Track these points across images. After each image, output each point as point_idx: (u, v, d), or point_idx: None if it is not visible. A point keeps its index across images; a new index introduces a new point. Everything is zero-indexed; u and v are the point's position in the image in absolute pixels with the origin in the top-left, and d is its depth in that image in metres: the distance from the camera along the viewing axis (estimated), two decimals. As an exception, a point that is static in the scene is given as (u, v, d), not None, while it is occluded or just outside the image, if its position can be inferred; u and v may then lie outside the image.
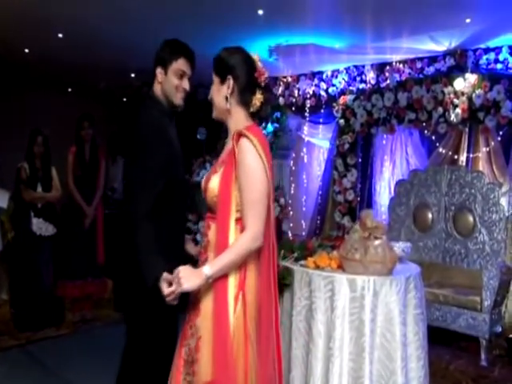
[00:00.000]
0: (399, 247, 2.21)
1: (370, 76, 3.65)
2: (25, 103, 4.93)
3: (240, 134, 1.40)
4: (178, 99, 1.81)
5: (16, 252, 3.68)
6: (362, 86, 3.71)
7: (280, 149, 4.56)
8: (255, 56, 1.52)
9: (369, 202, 3.66)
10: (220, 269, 1.35)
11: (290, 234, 4.58)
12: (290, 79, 4.54)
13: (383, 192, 3.65)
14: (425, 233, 3.14)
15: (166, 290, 1.42)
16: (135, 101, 5.06)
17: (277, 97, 4.52)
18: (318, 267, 2.19)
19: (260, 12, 2.86)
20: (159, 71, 1.82)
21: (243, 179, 1.36)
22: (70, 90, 5.17)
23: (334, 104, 3.82)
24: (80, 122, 3.87)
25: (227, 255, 1.36)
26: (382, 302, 1.89)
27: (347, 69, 3.90)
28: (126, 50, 3.84)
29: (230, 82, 1.46)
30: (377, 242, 1.99)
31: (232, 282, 1.37)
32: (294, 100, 4.45)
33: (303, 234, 4.50)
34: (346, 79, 3.86)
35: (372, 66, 3.69)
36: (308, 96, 4.26)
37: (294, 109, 4.44)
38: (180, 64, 1.79)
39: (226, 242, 1.38)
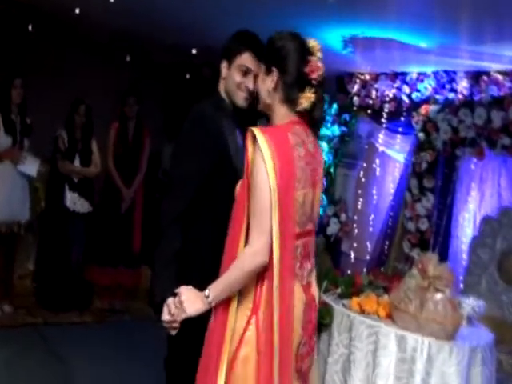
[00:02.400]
0: (469, 304, 2.13)
1: (462, 85, 3.50)
2: (69, 67, 5.12)
3: (254, 136, 1.41)
4: (239, 99, 1.82)
5: (46, 224, 3.94)
6: (451, 95, 3.58)
7: (345, 157, 4.53)
8: (313, 43, 1.48)
9: (446, 235, 3.52)
10: (220, 291, 1.40)
11: (351, 256, 4.57)
12: (367, 77, 4.47)
13: (466, 226, 3.51)
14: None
15: (165, 316, 1.47)
16: (196, 81, 5.26)
17: (351, 95, 4.49)
18: (362, 311, 2.16)
19: None
20: (224, 65, 1.87)
21: (251, 189, 1.41)
22: (126, 59, 5.21)
23: (414, 113, 3.73)
24: (125, 97, 4.04)
25: (227, 275, 1.41)
26: (437, 371, 1.82)
27: (435, 73, 3.77)
28: (188, 23, 3.83)
29: (275, 75, 1.48)
30: (437, 296, 1.94)
31: (243, 306, 1.41)
32: (370, 102, 4.39)
33: (367, 257, 4.45)
34: (434, 85, 3.73)
35: (466, 73, 3.55)
36: (387, 99, 4.17)
37: (369, 112, 4.38)
38: (244, 59, 1.82)
39: (234, 257, 1.43)
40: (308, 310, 1.46)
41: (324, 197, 4.39)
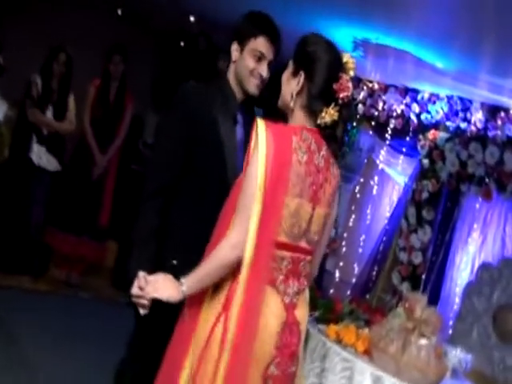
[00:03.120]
0: (456, 356, 2.22)
1: (477, 117, 3.64)
2: (55, 10, 5.01)
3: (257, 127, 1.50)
4: (251, 86, 1.86)
5: (8, 176, 3.93)
6: (463, 125, 3.72)
7: (342, 168, 4.67)
8: (348, 59, 1.57)
9: (440, 274, 3.64)
10: (195, 282, 1.50)
11: (336, 275, 4.72)
12: (376, 86, 4.61)
13: (462, 269, 3.62)
14: (506, 343, 2.99)
15: (134, 289, 1.57)
16: (190, 52, 5.31)
17: (356, 102, 4.63)
18: (339, 341, 2.23)
19: None
20: (235, 48, 1.89)
21: (244, 179, 1.51)
22: (118, 13, 5.22)
23: (421, 136, 3.86)
24: (110, 54, 4.06)
25: (203, 266, 1.51)
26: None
27: (450, 97, 3.90)
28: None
29: (301, 79, 1.55)
30: (422, 342, 2.01)
31: (215, 300, 1.50)
32: (375, 113, 4.54)
33: (352, 280, 4.60)
34: (446, 110, 3.87)
35: (482, 105, 3.67)
36: (394, 114, 4.31)
37: (373, 124, 4.53)
38: (259, 43, 1.85)
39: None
40: (287, 333, 1.51)
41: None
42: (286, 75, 1.61)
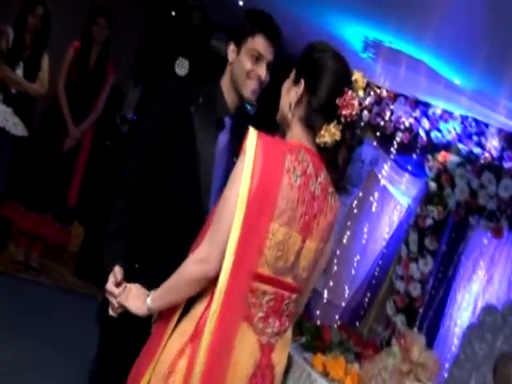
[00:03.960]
0: None
1: (492, 143, 3.77)
2: None
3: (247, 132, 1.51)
4: (247, 89, 1.94)
5: None
6: (476, 150, 3.84)
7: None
8: (358, 77, 1.58)
9: (439, 311, 3.74)
10: (158, 296, 1.58)
11: (324, 296, 4.84)
12: (384, 93, 4.77)
13: (464, 308, 3.71)
14: None
15: (110, 285, 1.76)
16: (183, 26, 5.38)
17: (361, 107, 4.79)
18: (326, 374, 2.31)
19: None
20: (231, 48, 1.98)
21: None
22: None
23: (430, 156, 3.97)
24: (94, 15, 4.07)
25: (167, 281, 1.56)
26: None
27: (464, 118, 4.02)
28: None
29: (301, 87, 1.56)
30: None
31: (184, 326, 1.54)
32: (381, 123, 4.71)
33: (342, 304, 4.74)
34: (459, 131, 3.99)
35: (499, 131, 3.80)
36: (402, 127, 4.42)
37: (378, 134, 4.69)
38: (257, 43, 1.93)
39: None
40: (259, 376, 1.52)
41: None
42: (287, 84, 1.63)
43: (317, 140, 1.56)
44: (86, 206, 4.37)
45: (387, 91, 4.67)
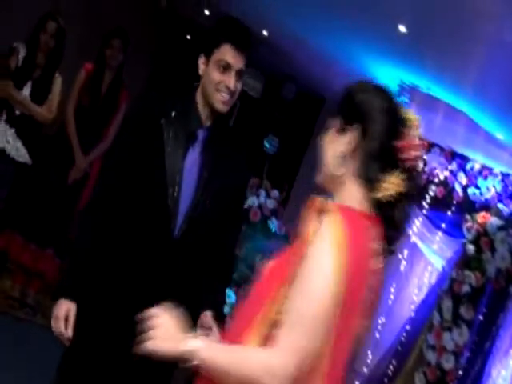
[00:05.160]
0: None
1: None
2: None
3: (322, 210, 1.31)
4: (218, 101, 1.95)
5: None
6: None
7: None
8: (411, 115, 1.41)
9: None
10: (213, 361, 1.28)
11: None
12: (417, 140, 4.64)
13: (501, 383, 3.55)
14: None
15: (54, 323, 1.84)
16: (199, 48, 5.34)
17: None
18: None
19: (402, 29, 2.90)
20: (201, 61, 2.00)
21: (298, 280, 1.27)
22: None
23: (468, 216, 3.81)
24: (109, 37, 3.98)
25: (229, 354, 1.30)
26: None
27: (505, 176, 3.90)
28: None
29: (355, 134, 1.36)
30: None
31: None
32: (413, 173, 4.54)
33: (364, 370, 4.54)
34: (499, 189, 3.85)
35: None
36: (436, 180, 4.29)
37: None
38: (223, 52, 1.93)
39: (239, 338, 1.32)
40: None
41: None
42: (330, 136, 1.43)
43: (377, 195, 1.35)
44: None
45: (421, 139, 4.49)
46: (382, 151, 1.35)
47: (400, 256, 4.63)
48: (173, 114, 2.01)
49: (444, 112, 3.76)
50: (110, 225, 2.02)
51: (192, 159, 2.01)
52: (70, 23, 4.06)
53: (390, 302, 4.63)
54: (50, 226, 3.98)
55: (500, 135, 3.52)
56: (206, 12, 4.80)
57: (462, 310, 3.64)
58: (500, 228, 3.59)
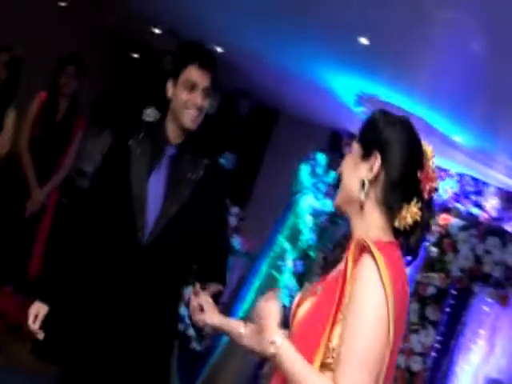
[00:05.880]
0: None
1: (491, 203, 3.78)
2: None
3: (363, 248, 1.34)
4: (187, 119, 2.11)
5: None
6: (475, 210, 3.83)
7: (331, 242, 4.68)
8: (428, 148, 1.45)
9: None
10: (286, 363, 1.36)
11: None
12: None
13: (464, 381, 3.64)
14: None
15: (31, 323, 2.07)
16: (153, 71, 5.24)
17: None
18: None
19: (363, 41, 2.98)
20: (170, 85, 2.16)
21: (350, 321, 1.32)
22: (62, 4, 4.98)
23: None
24: (62, 65, 3.90)
25: (301, 368, 1.34)
26: None
27: (461, 176, 4.03)
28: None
29: (377, 162, 1.40)
30: None
31: None
32: (373, 176, 4.62)
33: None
34: (456, 190, 3.97)
35: (498, 190, 3.82)
36: (394, 183, 4.40)
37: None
38: (189, 73, 2.11)
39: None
40: None
41: (296, 285, 4.47)
42: (352, 160, 1.47)
43: (396, 224, 1.40)
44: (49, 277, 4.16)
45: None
46: (404, 180, 1.41)
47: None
48: (141, 135, 2.20)
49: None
50: (86, 239, 2.23)
51: (159, 174, 2.17)
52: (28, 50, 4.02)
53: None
54: (8, 262, 3.89)
55: (456, 137, 3.63)
56: (156, 31, 4.76)
57: (428, 312, 3.77)
58: (462, 228, 3.72)
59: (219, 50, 4.28)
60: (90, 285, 2.25)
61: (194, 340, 4.57)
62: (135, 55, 5.65)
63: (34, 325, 2.17)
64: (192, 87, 2.11)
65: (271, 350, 1.37)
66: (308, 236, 4.51)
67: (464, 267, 3.65)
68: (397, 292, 1.31)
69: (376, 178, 1.41)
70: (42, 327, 2.17)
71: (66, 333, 2.30)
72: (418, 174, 1.41)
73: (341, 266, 1.43)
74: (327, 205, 4.51)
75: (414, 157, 1.43)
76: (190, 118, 2.12)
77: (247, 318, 3.88)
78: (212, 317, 1.82)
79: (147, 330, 2.24)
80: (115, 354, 2.20)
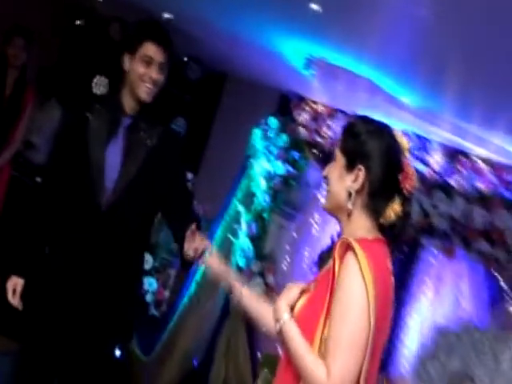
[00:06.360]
0: None
1: (435, 159, 3.93)
2: None
3: (347, 247, 1.51)
4: (142, 92, 2.29)
5: None
6: (419, 166, 3.97)
7: (285, 204, 4.80)
8: (402, 138, 1.63)
9: (392, 335, 3.78)
10: (289, 337, 1.54)
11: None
12: (321, 108, 4.82)
13: (413, 329, 3.84)
14: None
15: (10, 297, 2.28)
16: (99, 41, 5.22)
17: (296, 124, 4.80)
18: None
19: (314, 7, 3.02)
20: (126, 59, 2.33)
21: (335, 312, 1.49)
22: None
23: None
24: (9, 36, 3.91)
25: (301, 345, 1.52)
26: None
27: (406, 133, 3.95)
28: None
29: (361, 174, 1.57)
30: None
31: None
32: (319, 140, 4.73)
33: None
34: None
35: (442, 146, 3.96)
36: (342, 144, 4.52)
37: (319, 154, 4.69)
38: (146, 48, 2.27)
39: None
40: None
41: (250, 247, 4.60)
42: (337, 170, 1.63)
43: (382, 221, 1.59)
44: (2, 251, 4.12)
45: (325, 107, 4.70)
46: (386, 185, 1.58)
47: (311, 220, 4.84)
48: (97, 107, 2.38)
49: (348, 79, 3.92)
50: (51, 208, 2.42)
51: (116, 143, 2.35)
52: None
53: (305, 266, 4.83)
54: None
55: (403, 98, 3.75)
56: None
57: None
58: (410, 186, 3.81)
59: (167, 16, 4.27)
60: (58, 253, 2.41)
61: (152, 307, 4.66)
62: (79, 22, 5.52)
63: (13, 299, 2.33)
64: (148, 62, 2.27)
65: (277, 326, 1.55)
66: (262, 198, 4.60)
67: (412, 222, 3.78)
68: (379, 283, 1.48)
69: (361, 188, 1.58)
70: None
71: (28, 307, 2.42)
72: (399, 176, 1.58)
73: (329, 264, 1.60)
74: (279, 167, 4.61)
75: (394, 162, 1.59)
76: (145, 90, 2.29)
77: (202, 284, 4.13)
78: (215, 262, 2.00)
79: (113, 292, 2.40)
80: (77, 322, 2.36)
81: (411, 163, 1.63)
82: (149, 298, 4.62)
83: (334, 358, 1.46)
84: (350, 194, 1.58)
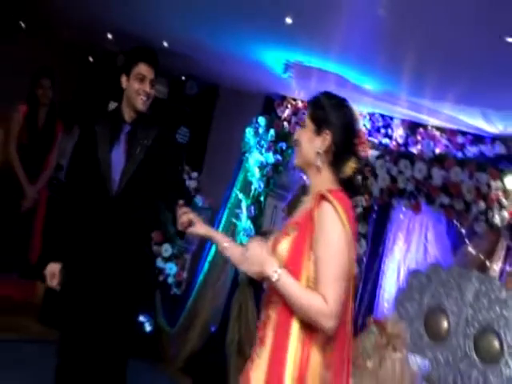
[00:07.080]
0: (414, 362, 2.42)
1: (398, 133, 3.92)
2: None
3: (322, 197, 1.55)
4: (138, 103, 2.41)
5: None
6: (385, 141, 3.96)
7: (278, 187, 4.78)
8: (357, 112, 1.71)
9: (374, 284, 3.83)
10: (286, 288, 1.52)
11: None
12: (300, 104, 4.78)
13: (390, 276, 3.83)
14: (436, 342, 3.15)
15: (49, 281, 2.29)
16: (106, 69, 5.16)
17: (280, 119, 4.77)
18: None
19: (288, 21, 3.07)
20: (124, 79, 2.45)
21: (321, 250, 1.52)
22: (22, 25, 4.91)
23: None
24: (37, 78, 3.87)
25: (298, 290, 1.52)
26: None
27: (371, 115, 4.11)
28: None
29: (328, 138, 1.63)
30: (396, 355, 2.23)
31: (291, 359, 1.51)
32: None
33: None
34: (369, 127, 4.05)
35: (402, 121, 3.95)
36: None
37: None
38: (139, 69, 2.40)
39: (287, 323, 1.54)
40: None
41: (251, 227, 4.58)
42: (307, 134, 1.67)
43: (341, 175, 1.65)
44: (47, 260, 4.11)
45: (302, 102, 4.68)
46: (345, 148, 1.66)
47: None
48: (103, 120, 2.53)
49: (319, 76, 3.91)
50: (76, 206, 2.51)
51: (119, 145, 2.48)
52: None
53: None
54: (11, 252, 3.90)
55: (366, 85, 3.74)
56: (109, 36, 4.60)
57: (359, 227, 3.86)
58: (378, 157, 3.81)
59: (165, 44, 4.24)
60: (82, 237, 2.48)
61: (174, 287, 4.67)
62: (91, 59, 5.49)
63: (52, 282, 2.35)
64: (142, 79, 2.40)
65: (275, 276, 1.52)
66: (257, 185, 4.61)
67: (383, 187, 3.79)
68: (351, 222, 1.55)
69: (328, 149, 1.65)
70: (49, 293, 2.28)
71: (63, 294, 2.45)
72: (355, 141, 1.68)
73: (303, 210, 1.64)
74: (270, 157, 4.64)
75: (353, 129, 1.68)
76: (141, 102, 2.41)
77: (214, 263, 4.06)
78: (200, 228, 1.96)
79: (129, 261, 2.45)
80: (104, 292, 2.42)
81: (364, 131, 1.71)
82: (170, 280, 4.66)
83: (326, 288, 1.49)
84: (318, 153, 1.63)
